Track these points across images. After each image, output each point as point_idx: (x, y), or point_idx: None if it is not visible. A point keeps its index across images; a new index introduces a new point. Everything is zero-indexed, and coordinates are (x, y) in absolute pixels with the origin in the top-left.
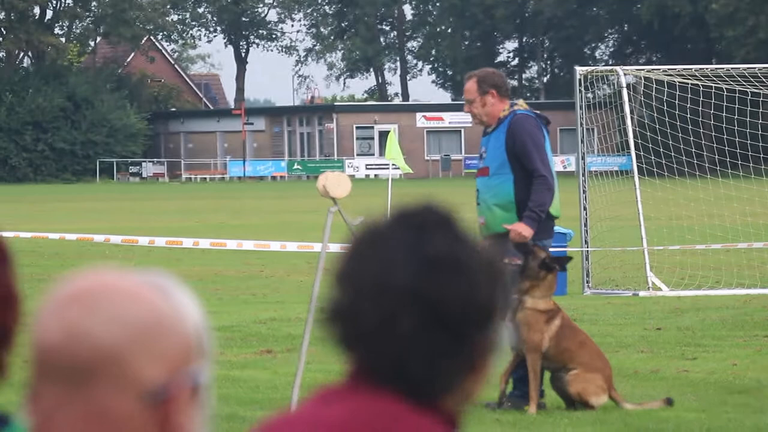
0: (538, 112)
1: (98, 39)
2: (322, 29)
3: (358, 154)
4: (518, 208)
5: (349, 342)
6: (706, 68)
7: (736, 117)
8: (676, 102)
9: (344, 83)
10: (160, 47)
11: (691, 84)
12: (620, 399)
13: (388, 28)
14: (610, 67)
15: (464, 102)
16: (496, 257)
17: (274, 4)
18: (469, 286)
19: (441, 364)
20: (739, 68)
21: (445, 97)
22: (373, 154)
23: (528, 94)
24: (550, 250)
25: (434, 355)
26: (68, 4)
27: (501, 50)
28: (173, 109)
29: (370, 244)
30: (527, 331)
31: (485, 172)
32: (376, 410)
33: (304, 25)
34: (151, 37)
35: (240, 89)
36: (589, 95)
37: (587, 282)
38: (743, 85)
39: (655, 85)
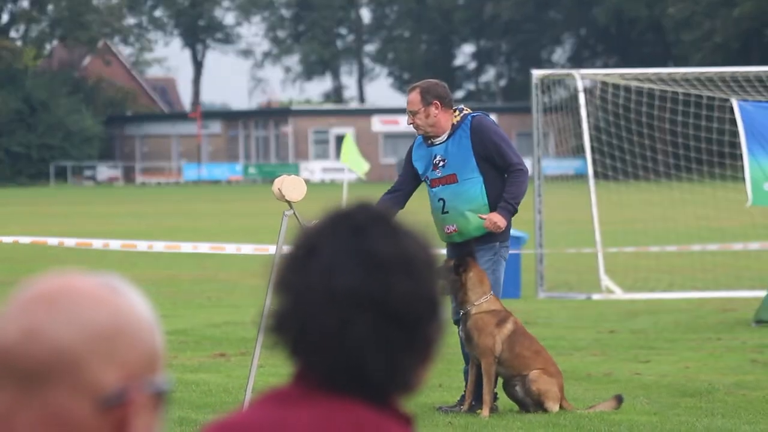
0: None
1: (54, 42)
2: (279, 33)
3: (313, 158)
4: (491, 209)
5: (300, 350)
6: (663, 72)
7: (691, 121)
8: (632, 106)
9: (301, 87)
10: (116, 51)
11: (647, 88)
12: (570, 408)
13: (345, 32)
14: (567, 71)
15: (408, 114)
16: (429, 245)
17: (232, 7)
18: (415, 280)
19: (396, 362)
20: (694, 72)
21: (401, 101)
22: (329, 158)
23: (485, 98)
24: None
25: (389, 354)
26: (24, 7)
27: (458, 54)
28: (129, 113)
29: (309, 251)
30: (478, 335)
31: (452, 179)
32: (339, 418)
33: (262, 28)
34: (108, 41)
35: (196, 93)
36: (546, 99)
37: (541, 285)
38: (699, 89)
39: (611, 89)
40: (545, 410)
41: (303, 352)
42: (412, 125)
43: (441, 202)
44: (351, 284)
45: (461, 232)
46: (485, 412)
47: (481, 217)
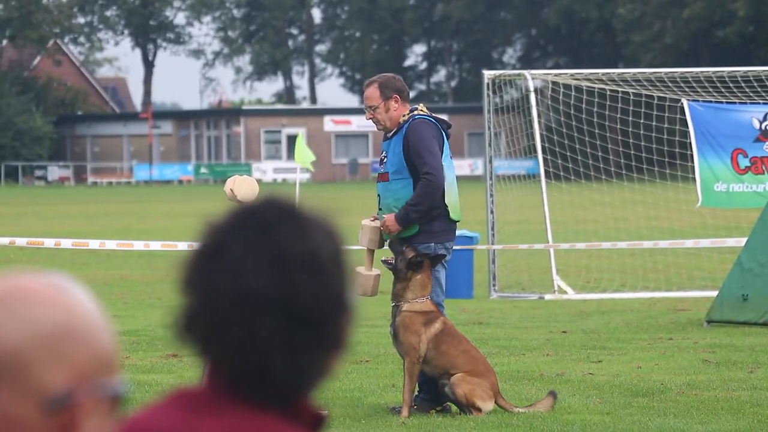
0: (438, 116)
1: (4, 42)
2: (230, 33)
3: (265, 158)
4: None
5: (208, 351)
6: (613, 72)
7: (641, 121)
8: (583, 106)
9: (252, 87)
10: (66, 50)
11: (598, 88)
12: (509, 406)
13: (296, 32)
14: (518, 71)
15: (365, 109)
16: (338, 239)
17: (183, 7)
18: (322, 278)
19: (305, 362)
20: (645, 72)
21: (353, 100)
22: (281, 158)
23: (436, 98)
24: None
25: (297, 355)
26: None
27: (409, 54)
28: (80, 113)
29: (216, 249)
30: (404, 332)
31: (385, 177)
32: (247, 428)
33: (213, 28)
34: (58, 41)
35: (147, 93)
36: (497, 99)
37: (493, 285)
38: (649, 89)
39: (562, 89)
40: (478, 410)
41: (211, 354)
42: (371, 120)
43: (378, 197)
44: (257, 284)
45: None
46: (404, 412)
47: (387, 261)
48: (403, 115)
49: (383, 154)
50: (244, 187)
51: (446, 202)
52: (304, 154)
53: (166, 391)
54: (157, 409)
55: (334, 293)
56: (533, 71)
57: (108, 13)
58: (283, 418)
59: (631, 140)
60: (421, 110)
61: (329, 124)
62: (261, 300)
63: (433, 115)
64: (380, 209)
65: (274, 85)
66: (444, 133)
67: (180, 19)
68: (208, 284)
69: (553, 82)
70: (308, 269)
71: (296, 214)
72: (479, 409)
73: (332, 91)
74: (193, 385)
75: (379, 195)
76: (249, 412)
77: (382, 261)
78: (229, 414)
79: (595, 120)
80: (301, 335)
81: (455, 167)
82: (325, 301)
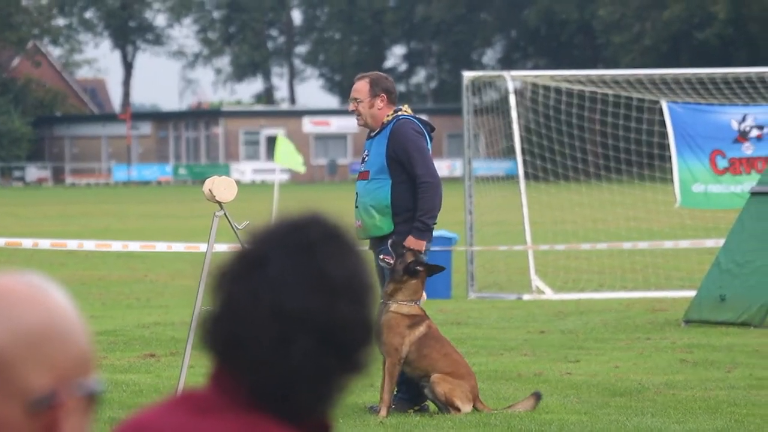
0: (422, 117)
1: None
2: (209, 34)
3: (244, 159)
4: (394, 213)
5: (230, 360)
6: (593, 74)
7: (620, 122)
8: (563, 107)
9: (232, 88)
10: (45, 52)
11: (577, 90)
12: (488, 409)
13: (276, 33)
14: (498, 73)
15: (351, 100)
16: (369, 267)
17: (162, 9)
18: (358, 305)
19: (327, 386)
20: (624, 74)
21: (332, 102)
22: (260, 159)
23: (415, 99)
24: (431, 252)
25: (322, 379)
26: None
27: (389, 55)
28: (58, 114)
29: (257, 262)
30: (387, 333)
31: (365, 176)
32: (251, 431)
33: (193, 30)
34: (37, 42)
35: (126, 94)
36: (477, 100)
37: (472, 285)
38: (628, 90)
39: (541, 91)
40: (457, 410)
41: (233, 363)
42: (354, 112)
43: (356, 195)
44: (298, 304)
45: (364, 229)
46: (383, 412)
47: (385, 259)
48: (387, 116)
49: (365, 153)
50: (222, 188)
51: None
52: (295, 160)
53: (168, 393)
54: (161, 409)
55: (366, 320)
56: (513, 72)
57: (87, 15)
58: (287, 426)
59: (610, 141)
60: (406, 111)
61: (308, 125)
62: (299, 320)
63: (417, 116)
64: (356, 207)
65: (254, 86)
66: (428, 135)
67: (160, 20)
68: (242, 294)
69: (533, 84)
70: (347, 295)
71: (339, 236)
72: (458, 409)
73: (312, 92)
74: (198, 388)
75: (357, 193)
76: (253, 416)
77: (379, 258)
78: (233, 417)
79: (575, 121)
80: (330, 359)
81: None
82: (358, 327)
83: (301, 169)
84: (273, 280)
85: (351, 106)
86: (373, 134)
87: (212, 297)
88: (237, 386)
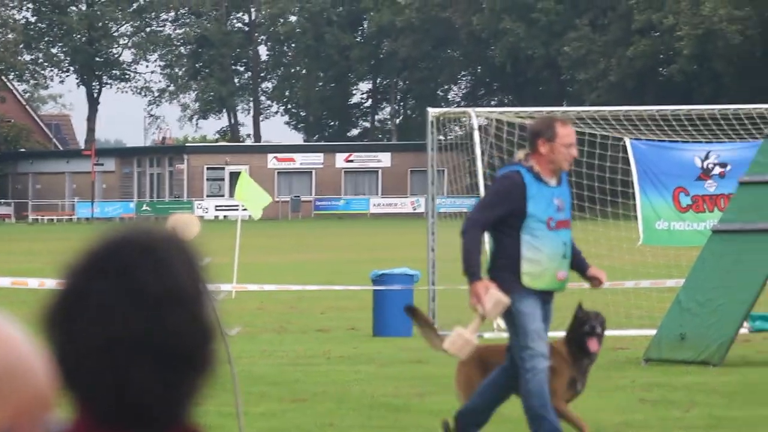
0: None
1: None
2: (176, 69)
3: (207, 195)
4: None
5: (78, 394)
6: (557, 110)
7: (584, 159)
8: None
9: (197, 124)
10: (11, 87)
11: None
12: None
13: (242, 69)
14: (462, 109)
15: (572, 145)
16: (199, 273)
17: (129, 44)
18: (186, 311)
19: (177, 394)
20: (589, 111)
21: (297, 138)
22: (223, 195)
23: (380, 136)
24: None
25: (170, 388)
26: None
27: (355, 91)
28: (22, 150)
29: (78, 296)
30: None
31: (568, 224)
32: None
33: (159, 65)
34: (2, 77)
35: (91, 130)
36: (441, 137)
37: (433, 323)
38: (593, 127)
39: (506, 127)
40: None
41: (81, 397)
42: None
43: (563, 245)
44: (125, 330)
45: (566, 281)
46: None
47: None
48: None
49: (558, 201)
50: (185, 225)
51: None
52: (258, 200)
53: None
54: None
55: (199, 323)
56: (478, 109)
57: (54, 50)
58: None
59: (573, 178)
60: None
61: (273, 161)
62: (130, 344)
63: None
64: (564, 257)
65: (219, 122)
66: None
67: (126, 55)
68: (74, 331)
69: (498, 120)
70: (172, 305)
71: (153, 250)
72: None
73: (276, 128)
74: (70, 421)
75: (564, 243)
76: None
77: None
78: None
79: None
80: (173, 369)
81: (399, 205)
82: (192, 332)
83: (257, 214)
84: (97, 311)
85: (575, 153)
86: (554, 183)
87: (46, 341)
88: (95, 415)
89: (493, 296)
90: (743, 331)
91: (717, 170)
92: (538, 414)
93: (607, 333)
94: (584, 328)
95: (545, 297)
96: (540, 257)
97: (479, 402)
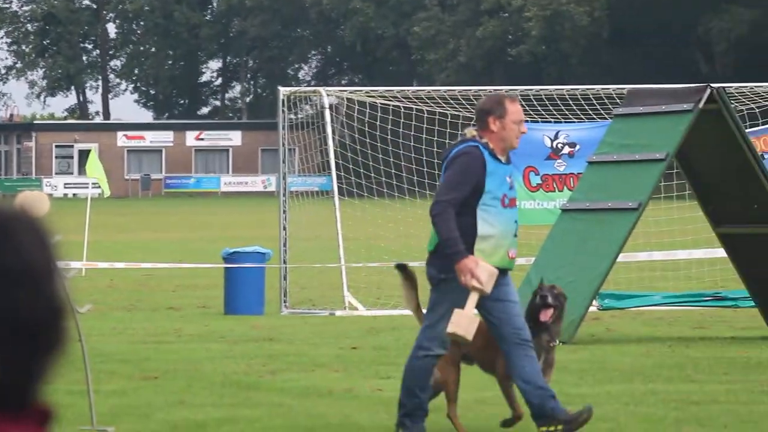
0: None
1: None
2: (23, 47)
3: (56, 173)
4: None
5: None
6: (408, 90)
7: (435, 139)
8: (378, 123)
9: (45, 101)
10: None
11: (393, 105)
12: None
13: (91, 47)
14: (313, 88)
15: (521, 121)
16: (50, 248)
17: None
18: (43, 290)
19: (29, 375)
20: (439, 90)
21: (147, 116)
22: (73, 173)
23: (231, 114)
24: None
25: (20, 365)
26: None
27: (205, 69)
28: None
29: None
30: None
31: (516, 203)
32: None
33: (6, 42)
34: None
35: None
36: (292, 116)
37: (285, 302)
38: (443, 107)
39: (357, 106)
40: None
41: None
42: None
43: (515, 224)
44: None
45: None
46: None
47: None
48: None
49: (510, 178)
50: (34, 203)
51: None
52: (103, 180)
53: None
54: None
55: (50, 301)
56: (328, 88)
57: None
58: (8, 419)
59: (424, 158)
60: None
61: (122, 139)
62: None
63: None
64: (515, 236)
65: (68, 99)
66: None
67: None
68: None
69: (348, 99)
70: (22, 283)
71: (2, 228)
72: None
73: (126, 106)
74: None
75: (515, 222)
76: None
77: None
78: None
79: (389, 137)
80: (23, 347)
81: (250, 183)
82: (42, 310)
83: (109, 190)
84: None
85: (523, 129)
86: (505, 160)
87: None
88: None
89: (485, 269)
90: (592, 309)
91: (566, 150)
92: (412, 391)
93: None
94: (536, 300)
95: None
96: (494, 233)
97: (525, 386)
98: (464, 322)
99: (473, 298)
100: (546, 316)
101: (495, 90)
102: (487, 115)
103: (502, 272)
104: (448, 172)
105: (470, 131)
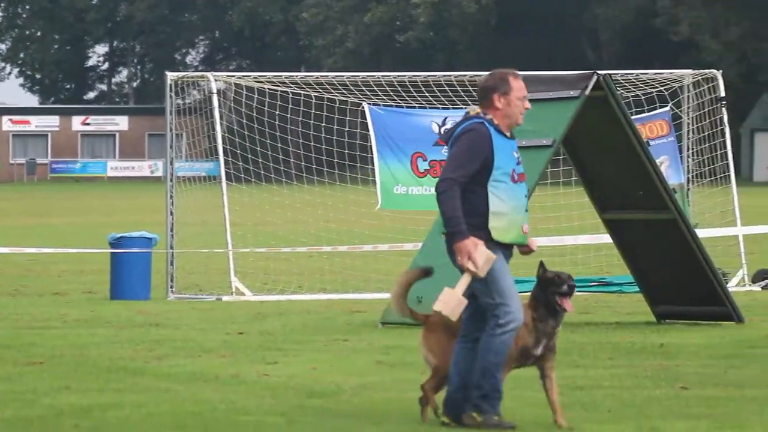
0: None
1: None
2: None
3: None
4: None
5: None
6: (296, 76)
7: (323, 124)
8: (266, 108)
9: None
10: None
11: (281, 91)
12: None
13: None
14: (201, 73)
15: (525, 97)
16: None
17: None
18: None
19: None
20: (327, 76)
21: (32, 100)
22: None
23: (117, 99)
24: None
25: None
26: None
27: (91, 54)
28: None
29: None
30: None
31: (525, 178)
32: None
33: None
34: None
35: None
36: (180, 101)
37: (171, 287)
38: (331, 92)
39: (245, 92)
40: None
41: None
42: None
43: (524, 198)
44: None
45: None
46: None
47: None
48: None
49: (517, 153)
50: None
51: None
52: None
53: None
54: None
55: None
56: (216, 73)
57: None
58: None
59: (312, 143)
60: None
61: (8, 123)
62: None
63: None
64: (526, 211)
65: None
66: None
67: None
68: None
69: (236, 84)
70: None
71: None
72: None
73: (11, 90)
74: None
75: (525, 196)
76: None
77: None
78: None
79: (277, 123)
80: None
81: (137, 168)
82: None
83: None
84: None
85: (528, 105)
86: (510, 135)
87: None
88: None
89: (483, 253)
90: None
91: None
92: (489, 370)
93: (346, 296)
94: (554, 288)
95: (508, 252)
96: (507, 210)
97: (458, 381)
98: (452, 302)
99: (465, 280)
100: (570, 305)
101: (383, 76)
102: (492, 92)
103: (511, 249)
104: (453, 149)
105: (473, 109)
